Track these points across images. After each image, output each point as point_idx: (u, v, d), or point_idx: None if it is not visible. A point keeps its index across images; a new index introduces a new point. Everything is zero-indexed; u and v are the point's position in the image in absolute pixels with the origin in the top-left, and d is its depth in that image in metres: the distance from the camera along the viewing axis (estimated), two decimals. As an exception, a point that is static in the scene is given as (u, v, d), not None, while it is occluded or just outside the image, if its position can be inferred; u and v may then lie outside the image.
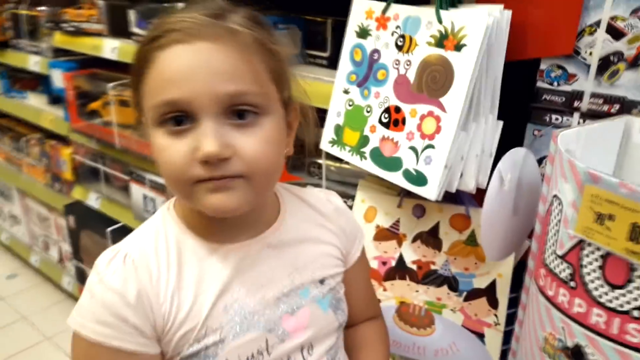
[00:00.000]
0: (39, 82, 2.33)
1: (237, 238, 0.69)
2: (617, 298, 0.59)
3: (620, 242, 0.56)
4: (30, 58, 2.14)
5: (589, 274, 0.61)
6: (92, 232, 2.11)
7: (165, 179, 0.63)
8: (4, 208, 2.72)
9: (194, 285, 0.66)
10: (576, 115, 0.90)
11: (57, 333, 2.29)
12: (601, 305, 0.60)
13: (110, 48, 1.74)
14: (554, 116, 0.92)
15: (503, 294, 0.94)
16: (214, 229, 0.68)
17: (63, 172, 2.17)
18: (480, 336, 0.96)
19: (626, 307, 0.58)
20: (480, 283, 0.96)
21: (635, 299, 0.57)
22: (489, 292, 0.96)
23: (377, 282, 1.03)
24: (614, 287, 0.58)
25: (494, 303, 0.95)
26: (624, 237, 0.56)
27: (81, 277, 2.27)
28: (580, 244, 0.61)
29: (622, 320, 0.59)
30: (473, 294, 0.97)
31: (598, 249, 0.59)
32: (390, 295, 1.02)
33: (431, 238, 1.00)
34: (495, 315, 0.95)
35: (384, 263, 1.04)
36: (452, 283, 0.98)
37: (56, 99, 2.17)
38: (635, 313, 0.58)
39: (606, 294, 0.59)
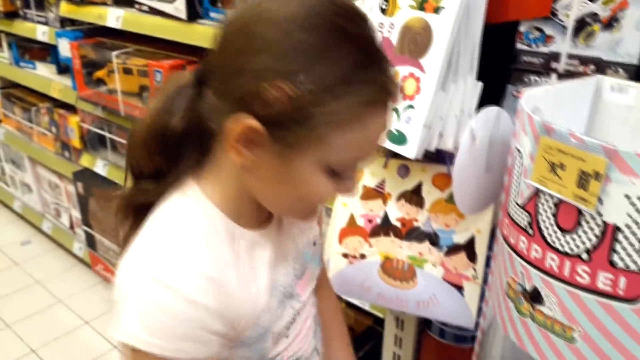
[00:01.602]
0: (47, 52, 2.38)
1: (264, 224, 0.73)
2: (568, 242, 0.63)
3: (570, 189, 0.60)
4: (38, 28, 2.19)
5: (544, 220, 0.65)
6: (100, 198, 2.18)
7: (289, 198, 0.65)
8: (16, 177, 2.80)
9: (253, 272, 0.68)
10: (554, 76, 0.93)
11: (70, 296, 2.39)
12: (555, 249, 0.64)
13: (115, 17, 1.78)
14: (532, 77, 0.95)
15: (481, 249, 0.99)
16: (252, 217, 0.70)
17: (71, 140, 2.23)
18: (460, 289, 1.01)
19: (576, 251, 0.62)
20: (460, 238, 1.00)
21: (584, 243, 0.61)
22: (468, 247, 1.00)
23: (363, 238, 1.08)
24: (565, 232, 0.63)
25: (472, 258, 1.00)
26: (573, 184, 0.60)
27: (91, 242, 2.36)
28: (536, 193, 0.65)
29: (573, 262, 0.63)
30: (453, 249, 1.01)
31: (551, 196, 0.63)
32: (375, 251, 1.07)
33: (414, 196, 1.04)
34: (474, 269, 1.00)
35: (370, 221, 1.08)
36: (433, 239, 1.03)
37: (64, 68, 2.22)
38: (584, 256, 0.62)
39: (559, 239, 0.64)
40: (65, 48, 2.03)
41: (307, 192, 0.62)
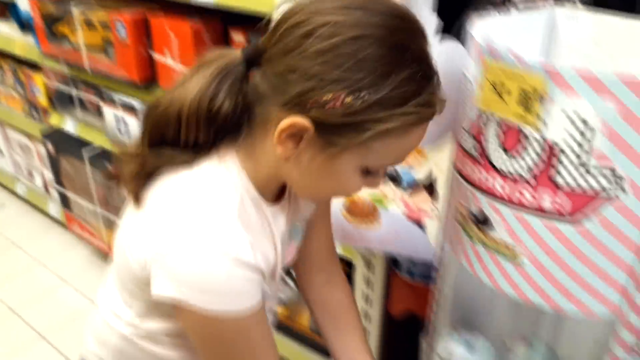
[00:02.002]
0: (6, 9, 2.30)
1: (279, 198, 0.76)
2: (513, 165, 0.63)
3: (512, 109, 0.60)
4: (-6, -17, 2.11)
5: (490, 144, 0.65)
6: (72, 157, 2.15)
7: (320, 189, 0.70)
8: (-14, 140, 2.75)
9: (272, 238, 0.74)
10: (513, 10, 0.92)
11: (48, 257, 2.39)
12: (500, 172, 0.65)
13: (72, -33, 1.72)
14: (492, 10, 0.93)
15: (441, 186, 1.00)
16: (273, 193, 0.75)
17: (38, 99, 2.19)
18: (421, 225, 1.02)
19: (521, 172, 0.63)
20: (421, 176, 1.01)
21: (528, 164, 0.62)
22: (429, 185, 1.01)
23: (326, 180, 1.09)
24: (510, 154, 0.63)
25: (433, 194, 1.01)
26: (515, 105, 0.60)
27: (65, 203, 2.34)
28: (481, 116, 0.65)
29: (518, 184, 0.64)
30: (414, 187, 1.02)
31: (496, 118, 0.63)
32: (339, 192, 1.08)
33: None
34: (435, 206, 1.01)
35: (333, 162, 1.09)
36: (395, 177, 1.03)
37: (26, 25, 2.15)
38: (529, 177, 0.63)
39: (504, 161, 0.64)
40: (24, 3, 1.96)
41: (339, 186, 0.68)
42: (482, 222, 0.69)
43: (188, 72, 0.68)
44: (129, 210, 0.73)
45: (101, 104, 1.87)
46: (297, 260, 0.94)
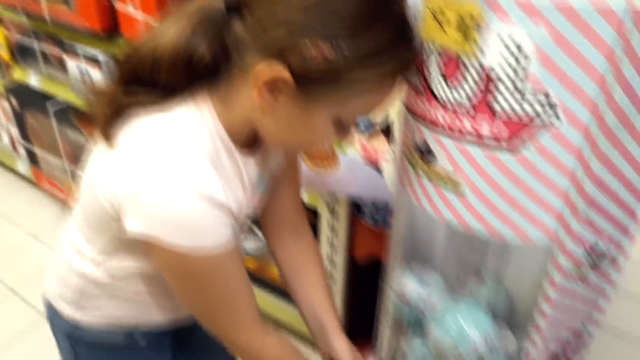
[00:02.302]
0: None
1: (253, 149, 0.77)
2: (453, 94, 0.65)
3: (451, 36, 0.61)
4: None
5: (431, 74, 0.66)
6: (37, 112, 2.12)
7: (293, 140, 0.71)
8: (-50, 97, 2.68)
9: (243, 182, 0.75)
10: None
11: (18, 214, 2.37)
12: (440, 102, 0.66)
13: None
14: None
15: (397, 129, 1.01)
16: (245, 143, 0.74)
17: (0, 53, 2.13)
18: (379, 169, 1.04)
19: (461, 102, 0.64)
20: (377, 118, 1.02)
21: (467, 93, 0.63)
22: (386, 128, 1.02)
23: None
24: (449, 83, 0.64)
25: (390, 138, 1.02)
26: (454, 32, 0.61)
27: (33, 159, 2.31)
28: (424, 47, 0.66)
29: (458, 114, 0.65)
30: (372, 131, 1.03)
31: (436, 47, 0.64)
32: (298, 136, 1.09)
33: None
34: (392, 150, 1.02)
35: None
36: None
37: (-17, -25, 2.08)
38: (468, 106, 0.64)
39: (445, 92, 0.65)
40: (-22, -50, 1.89)
41: (312, 137, 0.70)
42: (426, 154, 0.71)
43: (168, 18, 0.67)
44: (99, 149, 0.73)
45: (64, 56, 1.83)
46: (265, 216, 0.95)
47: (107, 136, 0.69)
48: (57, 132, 2.05)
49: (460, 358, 0.88)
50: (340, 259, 1.48)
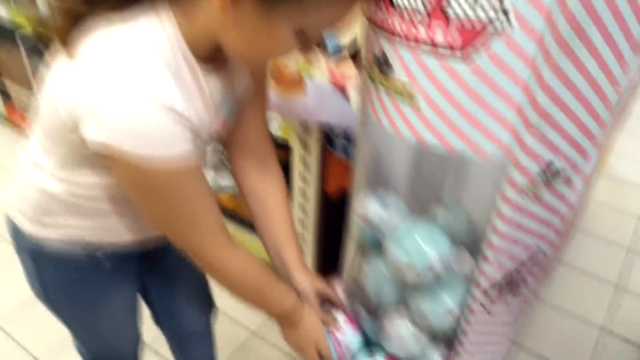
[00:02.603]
0: None
1: (216, 64, 0.76)
2: (408, 0, 0.64)
3: (406, -62, 0.60)
4: None
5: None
6: (7, 44, 2.06)
7: (256, 51, 0.70)
8: None
9: (205, 95, 0.75)
10: None
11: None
12: (397, 9, 0.65)
13: None
14: None
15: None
16: (208, 58, 0.74)
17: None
18: (345, 93, 1.03)
19: (415, 7, 0.63)
20: (344, 41, 1.01)
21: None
22: (355, 55, 1.01)
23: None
24: (406, -11, 0.63)
25: (357, 62, 1.01)
26: None
27: (6, 95, 2.27)
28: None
29: (413, 20, 0.64)
30: (340, 55, 1.02)
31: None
32: (266, 60, 1.07)
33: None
34: (358, 73, 1.02)
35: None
36: (321, 44, 1.03)
37: None
38: (422, 10, 0.63)
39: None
40: None
41: (275, 48, 0.69)
42: (384, 65, 0.71)
43: None
44: (59, 62, 0.71)
45: (32, -17, 1.77)
46: (231, 144, 0.94)
47: (67, 46, 0.68)
48: (28, 63, 2.00)
49: (416, 275, 0.90)
50: (312, 192, 1.49)
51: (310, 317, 0.94)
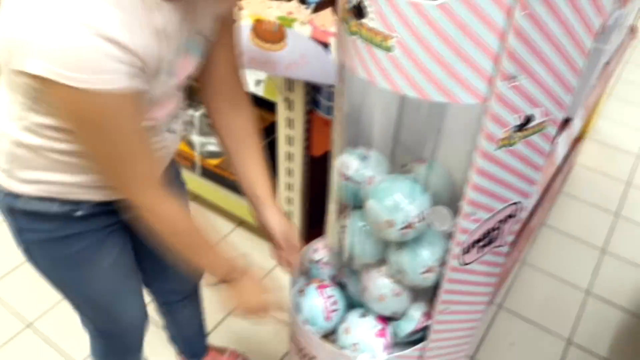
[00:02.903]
0: None
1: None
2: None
3: None
4: None
5: None
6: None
7: None
8: None
9: (158, 29, 0.71)
10: None
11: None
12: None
13: None
14: None
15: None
16: None
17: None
18: (326, 46, 1.02)
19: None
20: (325, -7, 0.99)
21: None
22: (334, 2, 0.99)
23: (233, 1, 1.05)
24: None
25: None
26: None
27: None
28: None
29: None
30: (320, 5, 1.00)
31: None
32: (246, 14, 1.05)
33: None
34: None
35: (239, -19, 1.05)
36: (301, -4, 1.01)
37: None
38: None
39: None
40: None
41: None
42: (359, 12, 0.69)
43: None
44: None
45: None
46: (203, 84, 0.93)
47: None
48: None
49: (395, 232, 0.91)
50: (298, 152, 1.48)
51: (252, 278, 0.95)
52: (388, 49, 0.69)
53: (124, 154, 0.74)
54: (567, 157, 1.94)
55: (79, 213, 0.90)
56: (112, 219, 0.96)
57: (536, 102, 0.73)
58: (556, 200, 2.13)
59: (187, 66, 0.84)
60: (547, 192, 1.78)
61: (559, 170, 1.85)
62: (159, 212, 0.81)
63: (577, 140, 2.08)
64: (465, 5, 0.62)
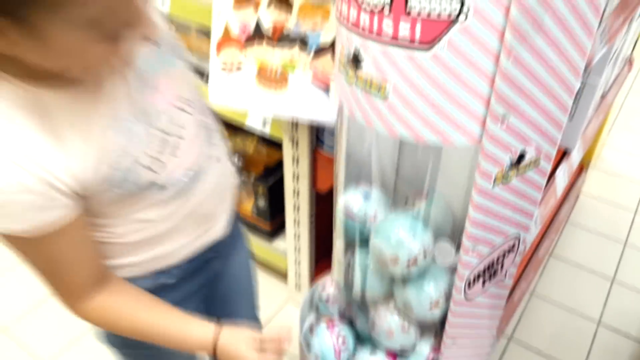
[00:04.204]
0: None
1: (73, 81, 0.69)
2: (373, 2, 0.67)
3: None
4: None
5: (356, -20, 0.68)
6: None
7: (71, 66, 0.62)
8: None
9: (74, 129, 0.66)
10: None
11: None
12: (364, 8, 0.68)
13: None
14: None
15: (346, 49, 1.03)
16: (56, 77, 0.65)
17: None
18: (326, 90, 1.06)
19: (379, 5, 0.66)
20: (326, 38, 1.04)
21: (387, -5, 0.65)
22: (333, 48, 1.04)
23: (238, 49, 1.11)
24: (372, -13, 0.66)
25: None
26: None
27: None
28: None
29: (379, 17, 0.67)
30: (320, 51, 1.05)
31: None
32: (251, 60, 1.10)
33: (283, 1, 1.06)
34: (341, 70, 1.04)
35: (244, 30, 1.10)
36: (303, 41, 1.06)
37: None
38: (386, 8, 0.66)
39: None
40: None
41: (79, 59, 0.60)
42: (356, 62, 0.73)
43: None
44: None
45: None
46: None
47: None
48: None
49: (400, 268, 0.93)
50: (304, 189, 1.52)
51: (232, 334, 0.84)
52: (384, 97, 0.72)
53: (56, 277, 0.72)
54: (572, 186, 1.96)
55: (170, 279, 0.88)
56: (194, 280, 0.95)
57: (528, 140, 0.77)
58: (563, 230, 2.14)
59: (172, 83, 0.78)
60: (553, 223, 1.80)
61: (564, 200, 1.87)
62: (104, 313, 0.77)
63: (581, 169, 2.10)
64: (456, 55, 0.65)
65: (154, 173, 0.74)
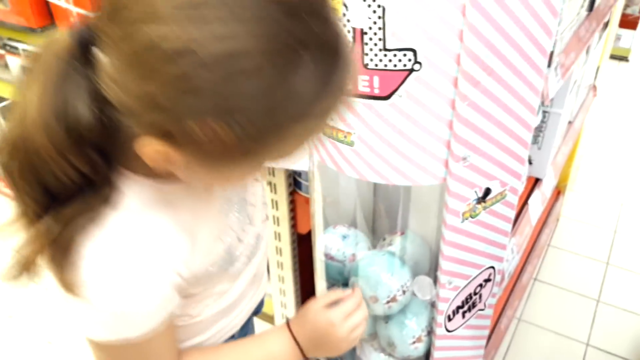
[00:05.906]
0: None
1: None
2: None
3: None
4: None
5: None
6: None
7: (220, 182, 0.61)
8: None
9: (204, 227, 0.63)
10: None
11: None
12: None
13: None
14: None
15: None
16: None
17: (-58, 55, 2.12)
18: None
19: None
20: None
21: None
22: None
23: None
24: None
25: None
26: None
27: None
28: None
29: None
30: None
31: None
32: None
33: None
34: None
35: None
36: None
37: None
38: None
39: None
40: None
41: (235, 180, 0.61)
42: (321, 112, 0.77)
43: (21, 82, 0.50)
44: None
45: (7, 55, 1.85)
46: None
47: (68, 285, 0.51)
48: (6, 131, 2.06)
49: (381, 307, 0.94)
50: (285, 231, 1.54)
51: (299, 321, 0.80)
52: (350, 144, 0.76)
53: None
54: (551, 211, 2.00)
55: None
56: None
57: (491, 175, 0.80)
58: (546, 254, 2.17)
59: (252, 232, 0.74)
60: (534, 248, 1.83)
61: (543, 224, 1.90)
62: None
63: (558, 194, 2.14)
64: (414, 102, 0.69)
65: (240, 242, 0.72)
